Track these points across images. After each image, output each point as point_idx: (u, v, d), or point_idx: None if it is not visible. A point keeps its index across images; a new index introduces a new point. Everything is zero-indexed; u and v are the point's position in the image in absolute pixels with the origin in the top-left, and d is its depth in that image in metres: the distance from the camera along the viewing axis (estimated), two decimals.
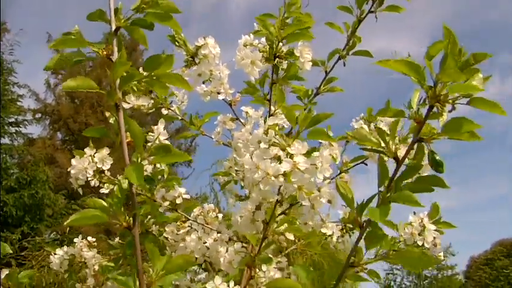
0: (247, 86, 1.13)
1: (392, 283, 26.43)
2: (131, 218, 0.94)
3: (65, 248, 1.50)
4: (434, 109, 0.67)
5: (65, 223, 0.94)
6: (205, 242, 1.23)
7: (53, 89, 20.86)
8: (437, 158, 0.68)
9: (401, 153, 0.72)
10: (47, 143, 17.32)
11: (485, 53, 0.65)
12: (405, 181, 0.72)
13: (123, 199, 0.92)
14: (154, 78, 0.94)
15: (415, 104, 0.70)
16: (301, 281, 1.00)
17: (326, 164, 0.77)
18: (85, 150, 1.27)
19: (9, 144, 10.98)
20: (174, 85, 0.95)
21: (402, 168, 0.73)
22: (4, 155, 10.79)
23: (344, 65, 1.25)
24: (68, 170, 1.27)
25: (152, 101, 1.22)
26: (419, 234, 1.16)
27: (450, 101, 0.66)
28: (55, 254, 1.48)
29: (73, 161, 1.24)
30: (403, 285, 26.75)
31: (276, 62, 1.05)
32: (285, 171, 0.75)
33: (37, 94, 19.53)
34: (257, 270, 1.03)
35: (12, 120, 11.29)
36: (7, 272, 1.25)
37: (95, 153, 1.27)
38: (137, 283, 0.86)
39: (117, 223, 0.92)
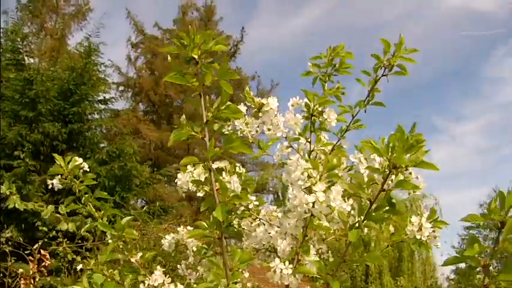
0: (295, 133, 1.68)
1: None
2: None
3: (172, 234, 2.10)
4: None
5: (187, 236, 1.52)
6: (270, 233, 1.80)
7: (133, 62, 22.05)
8: (392, 201, 1.20)
9: (372, 197, 1.24)
10: (130, 116, 18.35)
11: (422, 138, 1.15)
12: (374, 213, 1.24)
13: (215, 223, 1.49)
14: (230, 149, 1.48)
15: (382, 168, 1.22)
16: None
17: (337, 196, 1.30)
18: (187, 167, 1.83)
19: (99, 119, 11.93)
20: (241, 151, 1.50)
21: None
22: (95, 130, 11.81)
23: (365, 112, 1.76)
24: (175, 181, 1.83)
25: (228, 163, 1.76)
26: (418, 230, 1.67)
27: (401, 168, 1.17)
28: (165, 238, 2.09)
29: (179, 175, 1.81)
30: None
31: (312, 119, 1.58)
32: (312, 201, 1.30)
33: (119, 68, 20.71)
34: (302, 254, 1.59)
35: (101, 98, 12.23)
36: (140, 254, 1.87)
37: (194, 170, 1.83)
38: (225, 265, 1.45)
39: (213, 236, 1.49)
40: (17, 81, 11.03)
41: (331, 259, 1.72)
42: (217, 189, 1.53)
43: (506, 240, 1.19)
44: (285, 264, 1.55)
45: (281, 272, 1.55)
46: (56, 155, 2.10)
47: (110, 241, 1.84)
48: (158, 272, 1.76)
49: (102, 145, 11.61)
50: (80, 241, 5.61)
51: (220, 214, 1.41)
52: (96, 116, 12.06)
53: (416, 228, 1.63)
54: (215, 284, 1.40)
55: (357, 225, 1.26)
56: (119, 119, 15.15)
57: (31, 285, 4.89)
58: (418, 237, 1.62)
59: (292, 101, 1.67)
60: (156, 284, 1.73)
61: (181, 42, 1.34)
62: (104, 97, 12.48)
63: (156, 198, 15.08)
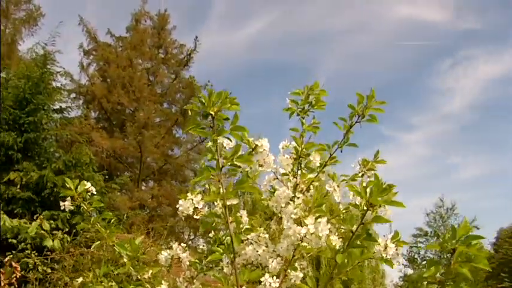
0: (284, 172, 2.03)
1: (416, 255, 27.38)
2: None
3: (168, 250, 2.40)
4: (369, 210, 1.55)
5: (210, 259, 1.83)
6: (257, 251, 2.14)
7: (86, 69, 21.96)
8: (370, 231, 1.56)
9: (354, 228, 1.60)
10: (83, 123, 18.27)
11: (393, 185, 1.52)
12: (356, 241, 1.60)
13: (230, 250, 1.81)
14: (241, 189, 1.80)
15: (361, 206, 1.58)
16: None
17: (325, 227, 1.66)
18: (187, 195, 2.13)
19: (55, 129, 11.96)
20: (250, 191, 1.84)
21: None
22: (51, 140, 11.84)
23: (341, 151, 2.14)
24: (177, 207, 2.13)
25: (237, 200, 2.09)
26: (384, 249, 2.04)
27: (376, 205, 1.53)
28: (162, 253, 2.39)
29: (180, 202, 2.11)
30: (427, 258, 27.64)
31: (299, 160, 1.94)
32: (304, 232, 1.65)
33: (71, 75, 20.57)
34: (289, 271, 1.93)
35: (57, 107, 12.27)
36: (151, 271, 2.17)
37: (193, 198, 2.13)
38: (229, 281, 1.77)
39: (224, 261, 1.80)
40: None
41: (310, 273, 2.07)
42: (231, 222, 1.84)
43: (456, 263, 1.56)
44: (273, 279, 1.90)
45: (270, 285, 1.89)
46: (67, 179, 2.35)
47: (125, 260, 2.12)
48: (164, 285, 2.07)
49: (57, 154, 11.63)
50: (49, 252, 5.77)
51: (237, 243, 1.74)
52: (52, 125, 12.09)
53: (382, 248, 2.00)
54: None
55: (341, 250, 1.62)
56: (71, 127, 15.08)
57: None
58: (383, 255, 1.99)
59: (282, 144, 2.03)
60: None
61: (200, 101, 1.64)
62: (60, 106, 12.53)
63: (110, 207, 15.07)
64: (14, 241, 5.62)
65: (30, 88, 11.31)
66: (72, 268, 6.37)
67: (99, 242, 2.37)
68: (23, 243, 5.63)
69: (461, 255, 1.54)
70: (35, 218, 5.83)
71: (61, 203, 2.38)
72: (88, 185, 2.37)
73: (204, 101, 1.65)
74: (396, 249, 2.03)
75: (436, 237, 27.49)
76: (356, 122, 2.12)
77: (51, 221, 5.30)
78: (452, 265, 1.58)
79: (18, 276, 5.14)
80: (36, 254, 5.77)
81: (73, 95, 20.91)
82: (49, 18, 20.78)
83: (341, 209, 2.01)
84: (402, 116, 40.76)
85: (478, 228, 27.31)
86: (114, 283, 2.39)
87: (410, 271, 25.90)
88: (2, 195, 10.30)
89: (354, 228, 1.64)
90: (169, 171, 22.95)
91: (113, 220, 2.55)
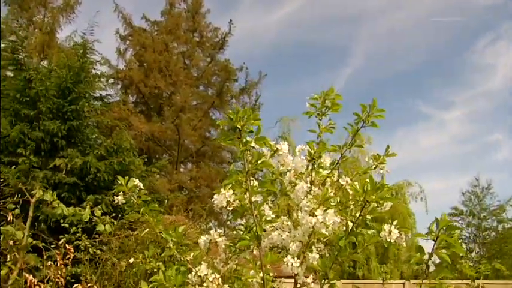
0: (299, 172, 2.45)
1: None
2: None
3: (206, 235, 2.84)
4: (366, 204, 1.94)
5: (238, 245, 2.26)
6: (282, 236, 2.56)
7: (123, 55, 22.63)
8: (367, 221, 1.95)
9: (355, 219, 1.99)
10: (122, 108, 18.94)
11: (386, 184, 1.90)
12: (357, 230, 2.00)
13: (255, 237, 2.23)
14: (264, 188, 2.21)
15: (359, 202, 1.98)
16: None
17: (331, 217, 2.06)
18: (221, 190, 2.55)
19: (97, 116, 12.59)
20: (271, 189, 2.24)
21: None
22: (93, 127, 12.49)
23: (349, 152, 2.53)
24: (213, 200, 2.55)
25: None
26: (389, 234, 2.43)
27: (371, 201, 1.92)
28: (201, 238, 2.83)
29: (215, 196, 2.53)
30: (463, 237, 27.76)
31: (312, 161, 2.35)
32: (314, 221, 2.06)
33: (109, 61, 21.24)
34: (307, 253, 2.35)
35: (97, 95, 12.89)
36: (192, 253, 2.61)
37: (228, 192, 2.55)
38: (257, 262, 2.20)
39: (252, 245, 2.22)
40: (17, 80, 11.68)
41: (326, 254, 2.48)
42: (256, 214, 2.25)
43: (438, 248, 1.94)
44: (294, 259, 2.31)
45: (292, 265, 2.32)
46: (119, 177, 2.80)
47: (171, 245, 2.57)
48: (204, 265, 2.52)
49: (99, 141, 12.27)
50: (97, 235, 6.35)
51: (260, 231, 2.16)
52: (93, 113, 12.71)
53: (387, 233, 2.39)
54: (253, 276, 2.17)
55: (345, 235, 2.02)
56: (111, 113, 15.70)
57: (58, 275, 5.62)
58: (388, 239, 2.37)
59: (298, 148, 2.45)
60: (203, 274, 2.49)
61: (229, 117, 2.05)
62: (100, 94, 13.17)
63: (150, 190, 15.68)
64: (66, 225, 6.20)
65: (72, 78, 11.94)
66: (119, 249, 6.95)
67: (147, 229, 2.83)
68: (74, 227, 6.21)
69: (442, 242, 1.92)
70: (84, 204, 6.40)
71: (114, 198, 2.82)
72: (136, 181, 2.81)
73: (232, 117, 2.06)
74: (400, 234, 2.42)
75: (471, 216, 27.60)
76: (361, 126, 2.50)
77: (99, 207, 5.83)
78: (435, 250, 1.96)
79: (71, 258, 5.72)
80: (86, 236, 6.36)
81: (111, 81, 21.57)
82: (85, 6, 21.45)
83: (349, 201, 2.40)
84: (441, 93, 40.40)
85: None
86: (160, 263, 2.83)
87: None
88: (49, 181, 11.00)
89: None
90: (207, 153, 23.58)
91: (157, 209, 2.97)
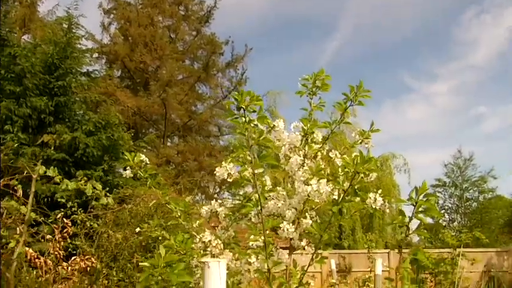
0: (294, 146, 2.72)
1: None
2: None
3: (207, 206, 3.11)
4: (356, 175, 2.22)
5: (243, 212, 2.54)
6: (278, 205, 2.84)
7: (107, 28, 22.58)
8: (356, 190, 2.23)
9: (346, 187, 2.27)
10: (107, 83, 18.97)
11: (373, 157, 2.18)
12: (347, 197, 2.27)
13: (258, 204, 2.50)
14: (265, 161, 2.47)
15: (350, 169, 2.25)
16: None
17: (324, 186, 2.34)
18: (223, 163, 2.80)
19: (84, 92, 12.71)
20: (272, 163, 2.51)
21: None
22: (80, 102, 12.62)
23: (339, 128, 2.81)
24: (214, 172, 2.81)
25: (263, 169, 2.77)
26: (374, 201, 2.72)
27: (361, 173, 2.20)
28: (203, 208, 3.10)
29: (217, 169, 2.79)
30: (446, 207, 28.52)
31: (306, 137, 2.62)
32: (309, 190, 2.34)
33: (93, 35, 21.20)
34: (302, 219, 2.63)
35: (84, 71, 12.99)
36: (198, 221, 2.89)
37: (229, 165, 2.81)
38: (256, 227, 2.48)
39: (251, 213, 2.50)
40: (1, 56, 11.72)
41: (318, 221, 2.77)
42: (258, 185, 2.52)
43: (417, 212, 2.24)
44: (290, 225, 2.60)
45: (287, 230, 2.60)
46: (126, 153, 3.04)
47: (178, 214, 2.83)
48: (207, 232, 2.80)
49: (87, 117, 12.40)
50: (92, 210, 6.60)
51: (262, 199, 2.43)
52: (80, 89, 12.81)
53: (372, 201, 2.68)
54: (257, 239, 2.45)
55: (337, 203, 2.30)
56: (97, 87, 15.76)
57: (57, 248, 5.88)
58: (373, 206, 2.66)
59: (293, 124, 2.73)
60: (206, 240, 2.77)
61: (235, 98, 2.30)
62: (87, 70, 13.27)
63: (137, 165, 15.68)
64: (63, 200, 6.45)
65: (58, 53, 12.01)
66: (113, 223, 7.22)
67: (154, 201, 3.08)
68: (70, 202, 6.45)
69: (420, 207, 2.22)
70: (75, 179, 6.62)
71: (123, 171, 3.06)
72: (142, 157, 3.05)
73: (237, 98, 2.32)
74: (384, 202, 2.71)
75: (454, 187, 28.31)
76: (350, 105, 2.78)
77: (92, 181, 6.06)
78: (414, 214, 2.26)
79: (69, 231, 5.97)
80: (82, 211, 6.61)
81: (95, 55, 21.56)
82: None
83: (340, 172, 2.68)
84: (426, 66, 40.80)
85: (495, 178, 28.14)
86: (164, 231, 3.10)
87: (429, 220, 26.75)
88: (38, 157, 11.16)
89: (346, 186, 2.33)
90: (193, 127, 23.79)
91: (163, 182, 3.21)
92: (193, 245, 2.78)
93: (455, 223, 28.09)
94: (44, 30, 15.29)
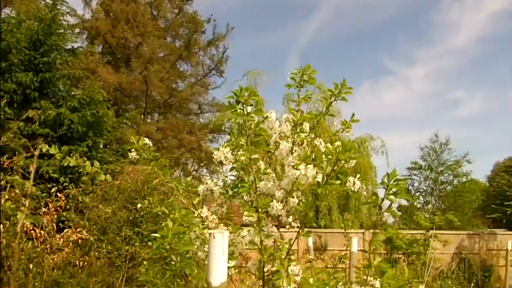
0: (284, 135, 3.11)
1: (410, 187, 29.14)
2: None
3: (203, 185, 3.49)
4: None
5: (242, 191, 2.93)
6: (268, 185, 3.23)
7: (88, 3, 22.58)
8: (339, 175, 2.63)
9: (328, 172, 2.67)
10: (89, 59, 19.08)
11: (352, 143, 2.58)
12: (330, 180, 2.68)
13: (252, 184, 2.88)
14: (259, 147, 2.86)
15: (332, 159, 2.65)
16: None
17: (310, 171, 2.74)
18: (220, 148, 3.18)
19: (68, 68, 12.90)
20: (265, 149, 2.89)
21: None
22: (64, 79, 12.82)
23: (324, 119, 3.19)
24: (212, 156, 3.18)
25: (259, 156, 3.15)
26: (353, 185, 3.12)
27: (342, 160, 2.60)
28: (200, 186, 3.47)
29: (215, 152, 3.16)
30: (421, 189, 29.33)
31: (295, 127, 3.02)
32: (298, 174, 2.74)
33: (75, 10, 21.21)
34: (290, 198, 3.03)
35: (69, 47, 13.16)
36: (197, 199, 3.27)
37: (225, 149, 3.19)
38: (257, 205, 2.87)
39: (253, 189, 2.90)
40: None
41: (303, 200, 3.17)
42: (254, 168, 2.90)
43: (388, 194, 2.66)
44: (278, 203, 3.00)
45: (276, 207, 3.01)
46: (132, 137, 3.39)
47: (180, 191, 3.21)
48: (205, 208, 3.19)
49: (72, 93, 12.62)
50: (82, 185, 6.95)
51: (258, 181, 2.82)
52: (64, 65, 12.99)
53: (351, 184, 3.08)
54: (251, 215, 2.85)
55: (322, 185, 2.71)
56: (79, 63, 15.87)
57: (49, 221, 6.22)
58: (352, 189, 3.07)
59: (284, 117, 3.12)
60: (204, 216, 3.16)
61: (235, 93, 2.68)
62: (72, 46, 13.43)
63: (120, 141, 16.10)
64: (56, 175, 6.78)
65: (43, 30, 12.17)
66: (102, 198, 7.58)
67: (157, 180, 3.46)
68: (62, 177, 6.78)
69: (391, 189, 2.64)
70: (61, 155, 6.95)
71: (129, 154, 3.41)
72: (146, 140, 3.41)
73: (237, 93, 2.70)
74: (362, 185, 3.12)
75: (429, 171, 29.09)
76: (334, 100, 3.17)
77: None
78: (386, 195, 2.68)
79: (62, 205, 6.32)
80: (73, 185, 6.95)
81: (77, 31, 21.57)
82: None
83: (323, 158, 3.08)
84: (405, 49, 41.36)
85: (469, 162, 28.97)
86: (164, 207, 3.47)
87: (404, 202, 27.50)
88: (22, 132, 11.38)
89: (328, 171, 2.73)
90: (174, 105, 24.04)
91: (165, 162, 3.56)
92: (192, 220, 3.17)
93: (430, 205, 28.89)
94: (27, 5, 15.34)
